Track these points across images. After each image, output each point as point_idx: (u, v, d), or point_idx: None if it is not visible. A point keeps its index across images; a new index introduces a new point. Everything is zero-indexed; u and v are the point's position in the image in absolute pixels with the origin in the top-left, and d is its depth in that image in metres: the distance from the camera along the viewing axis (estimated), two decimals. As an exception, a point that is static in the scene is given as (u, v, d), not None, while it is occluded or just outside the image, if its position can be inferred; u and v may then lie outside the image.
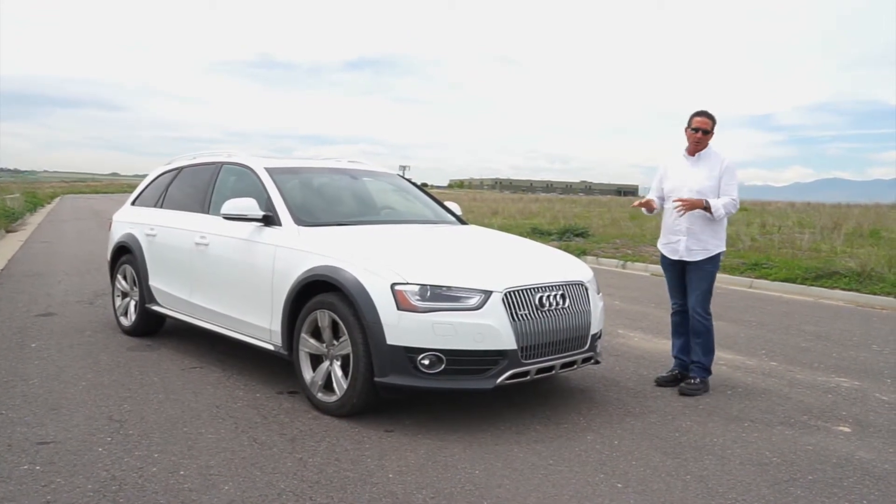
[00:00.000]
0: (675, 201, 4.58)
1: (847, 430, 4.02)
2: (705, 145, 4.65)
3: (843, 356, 5.80)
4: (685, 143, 4.71)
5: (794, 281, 9.65)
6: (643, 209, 4.89)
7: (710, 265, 4.65)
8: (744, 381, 4.97)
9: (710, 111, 4.65)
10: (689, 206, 4.50)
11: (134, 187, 7.09)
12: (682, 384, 4.65)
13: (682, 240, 4.66)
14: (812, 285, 9.40)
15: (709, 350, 4.69)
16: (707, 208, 4.50)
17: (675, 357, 4.87)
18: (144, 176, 6.88)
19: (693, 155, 4.67)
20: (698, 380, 4.65)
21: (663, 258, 4.87)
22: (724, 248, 4.69)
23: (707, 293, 4.67)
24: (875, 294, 8.70)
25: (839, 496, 3.13)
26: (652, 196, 4.89)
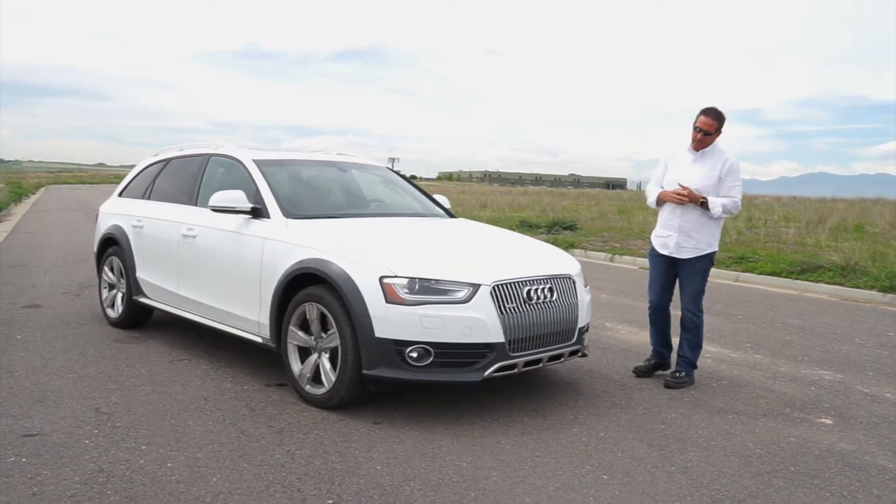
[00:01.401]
0: (677, 187, 4.55)
1: (829, 422, 4.08)
2: (707, 144, 4.57)
3: (827, 349, 5.88)
4: (688, 137, 4.63)
5: (779, 275, 9.76)
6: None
7: (703, 263, 4.63)
8: (729, 373, 5.03)
9: (719, 109, 4.49)
10: (689, 198, 4.46)
11: (120, 178, 7.05)
12: (668, 378, 4.69)
13: (672, 235, 4.65)
14: (797, 279, 9.50)
15: (696, 346, 4.72)
16: (704, 205, 4.46)
17: (654, 349, 4.91)
18: (131, 167, 6.84)
19: (697, 151, 4.62)
20: (684, 373, 4.69)
21: (652, 250, 4.85)
22: (716, 248, 4.64)
23: (700, 291, 4.67)
24: (858, 288, 8.81)
25: (821, 487, 3.19)
26: (654, 186, 4.84)
